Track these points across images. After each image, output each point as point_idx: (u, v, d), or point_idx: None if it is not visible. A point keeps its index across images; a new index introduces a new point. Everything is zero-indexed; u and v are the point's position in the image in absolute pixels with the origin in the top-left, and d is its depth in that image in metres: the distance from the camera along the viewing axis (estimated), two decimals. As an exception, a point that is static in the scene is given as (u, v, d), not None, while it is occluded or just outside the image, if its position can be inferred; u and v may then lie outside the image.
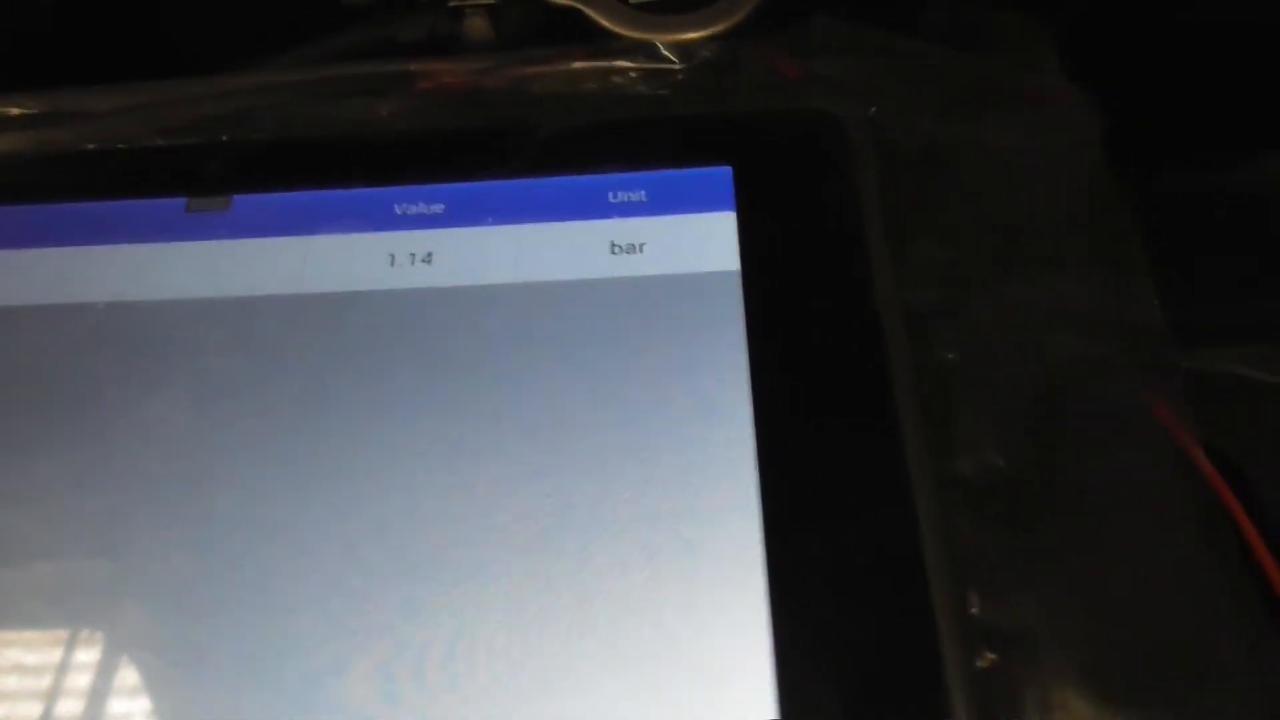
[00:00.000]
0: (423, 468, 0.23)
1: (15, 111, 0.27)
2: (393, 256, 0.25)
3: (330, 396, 0.24)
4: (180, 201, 0.26)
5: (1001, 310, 0.23)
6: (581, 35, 0.33)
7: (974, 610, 0.20)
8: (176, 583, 0.22)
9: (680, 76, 0.29)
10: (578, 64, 0.29)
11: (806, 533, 0.21)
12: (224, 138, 0.26)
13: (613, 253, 0.25)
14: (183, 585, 0.22)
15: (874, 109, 0.26)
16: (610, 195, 0.26)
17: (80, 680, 0.21)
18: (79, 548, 0.22)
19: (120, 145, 0.26)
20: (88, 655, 0.21)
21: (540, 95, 0.27)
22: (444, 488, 0.23)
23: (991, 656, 0.19)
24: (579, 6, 0.34)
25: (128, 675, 0.21)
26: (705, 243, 0.25)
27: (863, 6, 0.30)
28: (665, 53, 0.30)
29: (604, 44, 0.30)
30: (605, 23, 0.34)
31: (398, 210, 0.26)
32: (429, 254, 0.25)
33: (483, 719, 0.20)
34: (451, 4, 0.38)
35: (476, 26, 0.39)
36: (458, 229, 0.26)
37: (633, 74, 0.29)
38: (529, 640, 0.20)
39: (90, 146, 0.26)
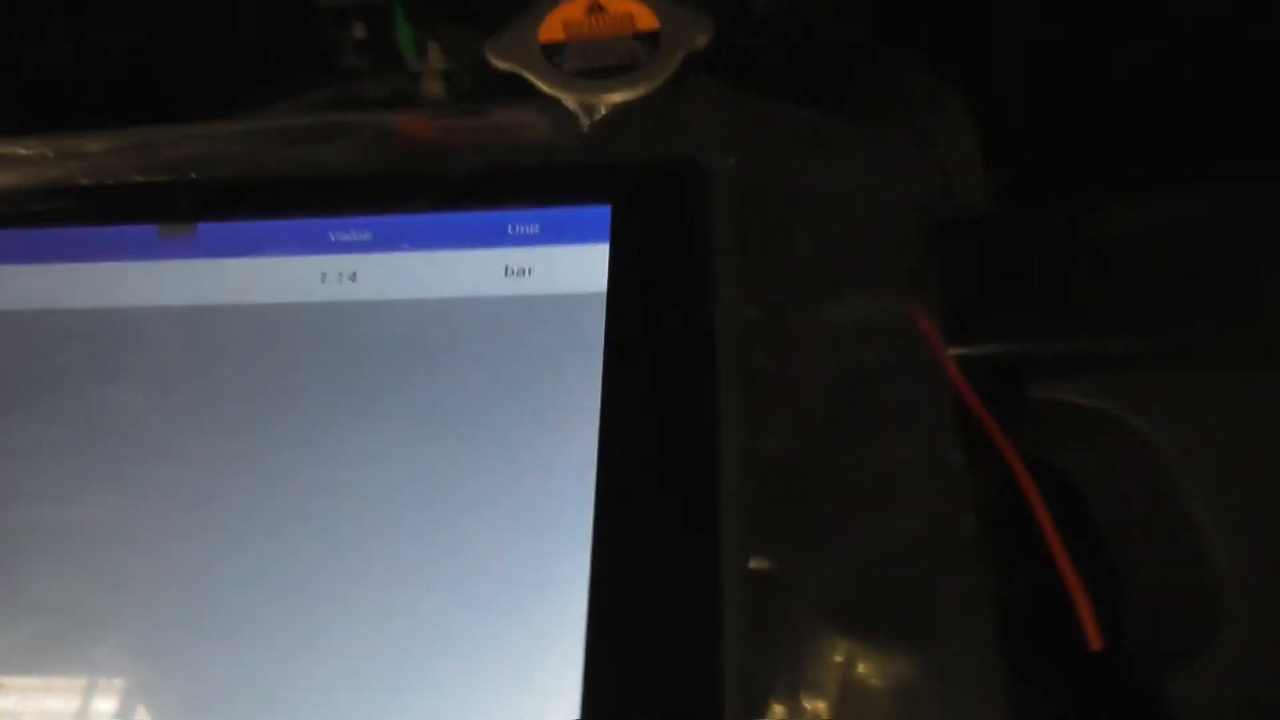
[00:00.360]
0: (325, 451, 0.28)
1: (24, 151, 0.33)
2: (324, 275, 0.31)
3: (265, 387, 0.29)
4: (154, 228, 0.32)
5: (811, 324, 0.28)
6: (525, 94, 0.39)
7: (753, 566, 0.24)
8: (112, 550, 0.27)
9: (583, 128, 0.34)
10: (499, 118, 0.34)
11: (633, 509, 0.26)
12: (193, 175, 0.32)
13: (506, 275, 0.30)
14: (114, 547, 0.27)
15: (734, 159, 0.31)
16: (509, 228, 0.31)
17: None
18: (39, 517, 0.28)
19: (107, 181, 0.32)
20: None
21: (462, 144, 0.33)
22: (353, 475, 0.28)
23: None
24: (520, 71, 0.40)
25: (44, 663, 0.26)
26: (583, 269, 0.30)
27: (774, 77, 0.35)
28: (571, 108, 0.35)
29: (526, 101, 0.35)
30: (542, 85, 0.39)
31: (332, 237, 0.31)
32: (354, 273, 0.31)
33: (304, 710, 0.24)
34: (412, 69, 0.44)
35: (433, 87, 0.44)
36: (381, 254, 0.31)
37: (542, 127, 0.34)
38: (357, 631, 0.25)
39: (83, 181, 0.32)
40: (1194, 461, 0.28)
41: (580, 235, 0.30)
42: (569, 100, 0.36)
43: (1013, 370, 0.34)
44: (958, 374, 0.25)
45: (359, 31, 0.54)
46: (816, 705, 0.22)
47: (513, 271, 0.29)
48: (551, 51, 0.42)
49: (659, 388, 0.26)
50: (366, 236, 0.30)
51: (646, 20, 0.42)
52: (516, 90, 0.40)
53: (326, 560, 0.25)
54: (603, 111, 0.34)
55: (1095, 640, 0.24)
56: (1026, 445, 0.27)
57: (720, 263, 0.28)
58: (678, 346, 0.27)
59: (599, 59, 0.41)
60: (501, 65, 0.41)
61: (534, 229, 0.30)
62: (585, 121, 0.34)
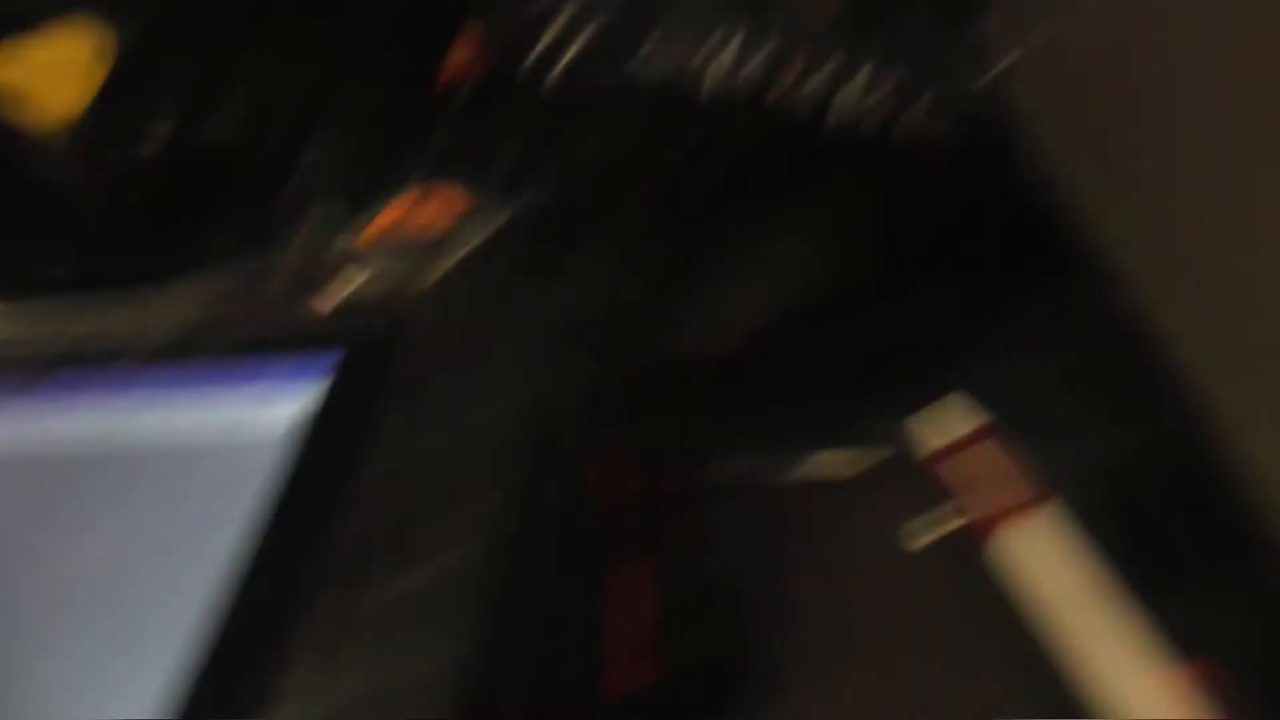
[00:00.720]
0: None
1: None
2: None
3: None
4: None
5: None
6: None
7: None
8: None
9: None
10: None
11: None
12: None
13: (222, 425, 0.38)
14: None
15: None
16: (240, 384, 0.39)
17: None
18: None
19: None
20: None
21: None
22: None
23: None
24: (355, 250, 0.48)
25: None
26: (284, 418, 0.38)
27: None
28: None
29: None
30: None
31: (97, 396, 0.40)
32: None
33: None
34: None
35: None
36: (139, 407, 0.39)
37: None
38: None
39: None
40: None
41: (294, 389, 0.38)
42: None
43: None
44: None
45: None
46: None
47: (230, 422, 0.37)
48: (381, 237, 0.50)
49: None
50: (131, 394, 0.39)
51: (462, 205, 0.51)
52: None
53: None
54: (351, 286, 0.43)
55: None
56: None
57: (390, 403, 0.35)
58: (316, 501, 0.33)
59: (418, 241, 0.49)
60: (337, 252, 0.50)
61: (260, 385, 0.38)
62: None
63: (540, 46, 0.59)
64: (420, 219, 0.52)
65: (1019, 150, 0.40)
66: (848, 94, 0.46)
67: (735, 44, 0.50)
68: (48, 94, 0.61)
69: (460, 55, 0.70)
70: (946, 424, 0.34)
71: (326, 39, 0.77)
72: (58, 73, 0.62)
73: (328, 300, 0.43)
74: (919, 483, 0.34)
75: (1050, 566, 0.31)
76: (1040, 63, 0.39)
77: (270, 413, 0.36)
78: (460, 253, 0.48)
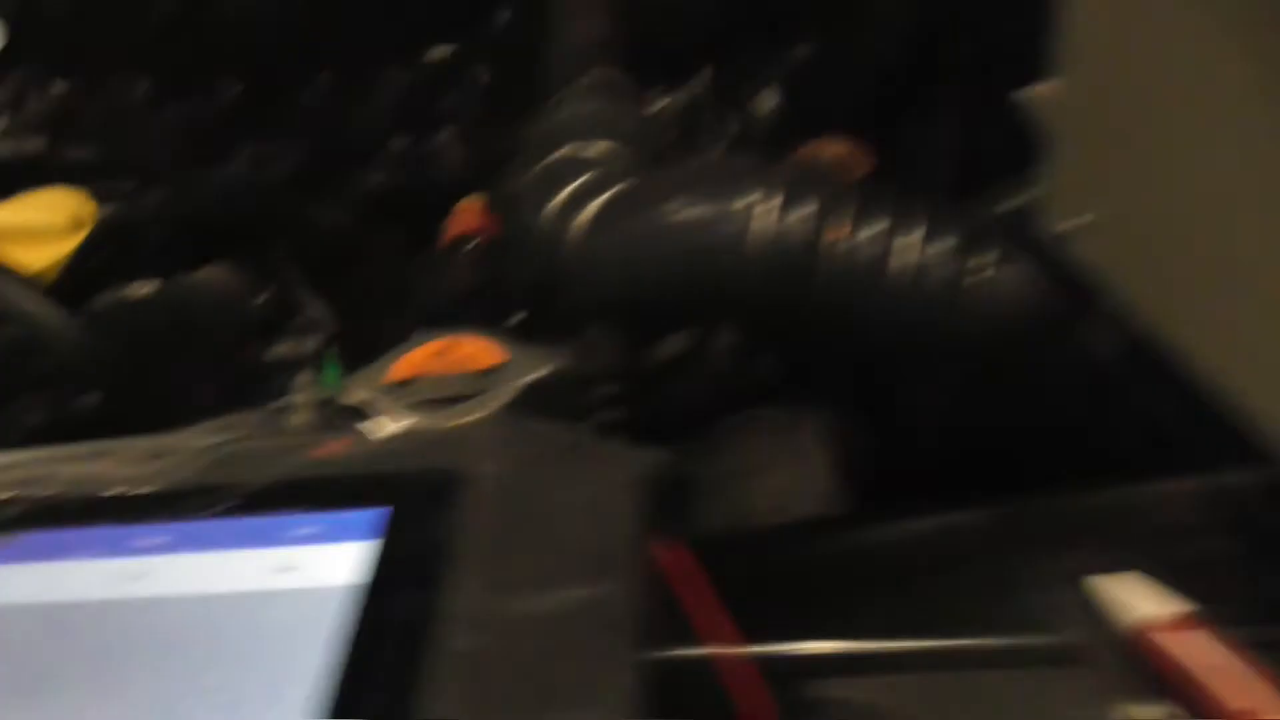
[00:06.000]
0: None
1: None
2: (118, 574, 0.34)
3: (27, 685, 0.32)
4: (-17, 538, 0.36)
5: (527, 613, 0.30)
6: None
7: None
8: None
9: (375, 444, 0.39)
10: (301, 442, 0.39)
11: None
12: (22, 494, 0.36)
13: (277, 571, 0.34)
14: None
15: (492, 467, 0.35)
16: (293, 530, 0.35)
17: None
18: None
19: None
20: None
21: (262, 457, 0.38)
22: None
23: None
24: (359, 406, 0.45)
25: None
26: (346, 565, 0.34)
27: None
28: (378, 427, 0.40)
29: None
30: (387, 418, 0.44)
31: (133, 543, 0.35)
32: (144, 573, 0.34)
33: None
34: (278, 403, 0.50)
35: (300, 419, 0.50)
36: (172, 556, 0.35)
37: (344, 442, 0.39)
38: None
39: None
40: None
41: (351, 534, 0.34)
42: (378, 425, 0.41)
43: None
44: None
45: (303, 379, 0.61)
46: None
47: (284, 569, 0.33)
48: (399, 388, 0.48)
49: (384, 675, 0.29)
50: (163, 541, 0.34)
51: (492, 357, 0.49)
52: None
53: None
54: (391, 430, 0.39)
55: None
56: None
57: (462, 564, 0.31)
58: (404, 650, 0.29)
59: (440, 392, 0.47)
60: (351, 400, 0.47)
61: (313, 530, 0.34)
62: (376, 437, 0.39)
63: (561, 198, 0.58)
64: (445, 366, 0.49)
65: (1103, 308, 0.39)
66: (907, 244, 0.45)
67: (777, 200, 0.50)
68: (24, 251, 0.61)
69: (466, 215, 0.69)
70: (1139, 603, 0.31)
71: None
72: (35, 233, 0.63)
73: (353, 446, 0.39)
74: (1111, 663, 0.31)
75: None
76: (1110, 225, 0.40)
77: (319, 563, 0.32)
78: (499, 400, 0.45)
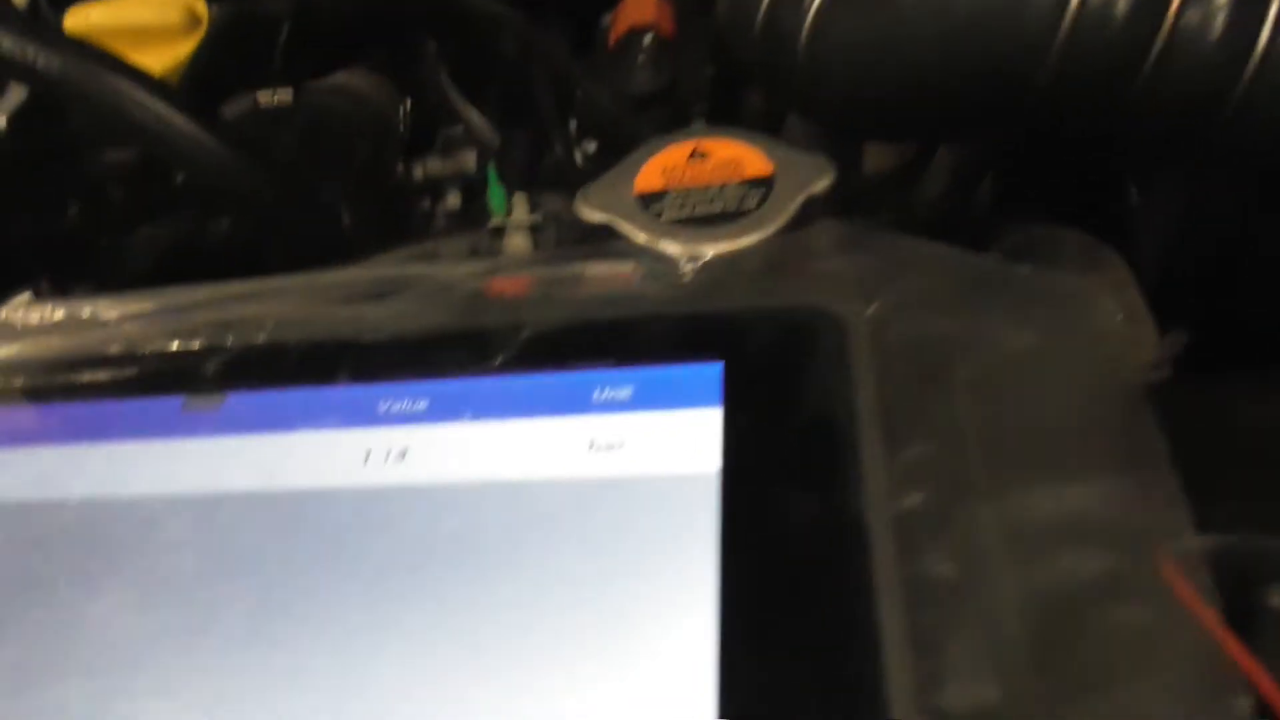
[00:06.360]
0: (383, 669, 0.21)
1: (36, 318, 0.28)
2: (369, 453, 0.25)
3: (282, 596, 0.23)
4: (178, 401, 0.27)
5: (1005, 521, 0.20)
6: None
7: None
8: None
9: (686, 275, 0.28)
10: (582, 267, 0.28)
11: None
12: (228, 340, 0.26)
13: (591, 450, 0.24)
14: None
15: (875, 306, 0.24)
16: (595, 392, 0.25)
17: None
18: None
19: (130, 350, 0.27)
20: None
21: (538, 296, 0.27)
22: (404, 692, 0.21)
23: None
24: (611, 223, 0.35)
25: None
26: (688, 441, 0.24)
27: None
28: (673, 255, 0.29)
29: (610, 246, 0.30)
30: (636, 238, 0.34)
31: (381, 408, 0.25)
32: (405, 451, 0.25)
33: None
34: (492, 224, 0.40)
35: (515, 244, 0.40)
36: (437, 425, 0.25)
37: (640, 273, 0.28)
38: None
39: (103, 350, 0.27)
40: None
41: (683, 399, 0.23)
42: (670, 248, 0.30)
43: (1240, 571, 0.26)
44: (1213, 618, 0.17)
45: (452, 202, 0.53)
46: None
47: (599, 446, 0.23)
48: (649, 201, 0.37)
49: (800, 605, 0.19)
50: (422, 405, 0.24)
51: (757, 165, 0.38)
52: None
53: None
54: (709, 256, 0.28)
55: None
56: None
57: (865, 436, 0.21)
58: (821, 548, 0.19)
59: (703, 207, 0.36)
60: (593, 217, 0.36)
61: (625, 392, 0.24)
62: (688, 268, 0.28)
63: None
64: (703, 176, 0.38)
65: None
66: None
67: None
68: (136, 53, 0.53)
69: (636, 7, 0.58)
70: None
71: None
72: (147, 33, 0.55)
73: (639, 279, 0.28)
74: None
75: None
76: None
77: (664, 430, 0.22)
78: (781, 216, 0.34)
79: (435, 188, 0.59)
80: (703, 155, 0.40)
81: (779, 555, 0.21)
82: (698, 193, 0.37)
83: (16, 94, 0.54)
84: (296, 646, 0.21)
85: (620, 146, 0.41)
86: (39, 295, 0.35)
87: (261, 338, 0.26)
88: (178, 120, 0.52)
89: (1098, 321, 0.22)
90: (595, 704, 0.19)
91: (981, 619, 0.18)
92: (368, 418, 0.25)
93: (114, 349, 0.27)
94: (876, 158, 0.40)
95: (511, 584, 0.21)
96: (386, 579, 0.22)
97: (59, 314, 0.27)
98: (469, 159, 0.61)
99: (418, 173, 0.60)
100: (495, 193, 0.48)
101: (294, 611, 0.22)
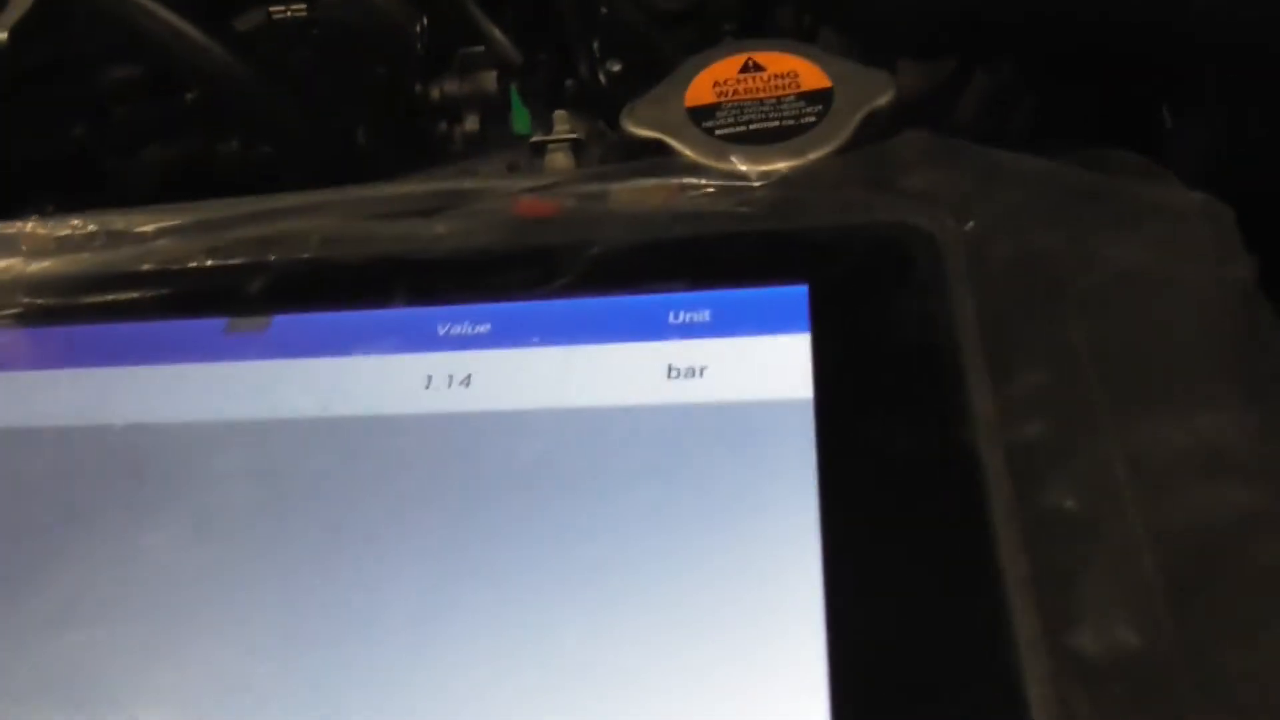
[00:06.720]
0: (463, 600, 0.20)
1: (67, 231, 0.26)
2: (430, 378, 0.23)
3: (348, 527, 0.21)
4: (221, 322, 0.25)
5: (1132, 450, 0.19)
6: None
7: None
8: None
9: (757, 193, 0.26)
10: (646, 181, 0.27)
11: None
12: (271, 257, 0.25)
13: (670, 377, 0.22)
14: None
15: (971, 223, 0.23)
16: (670, 315, 0.23)
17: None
18: (58, 685, 0.20)
19: (167, 266, 0.25)
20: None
21: (603, 213, 0.25)
22: (476, 623, 0.19)
23: None
24: (662, 138, 0.33)
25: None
26: (774, 367, 0.22)
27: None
28: (742, 168, 0.27)
29: (669, 162, 0.28)
30: (690, 154, 0.32)
31: (440, 330, 0.24)
32: (468, 376, 0.23)
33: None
34: (534, 139, 0.38)
35: (559, 161, 0.38)
36: (501, 350, 0.23)
37: (708, 190, 0.26)
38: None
39: (138, 267, 0.25)
40: None
41: (766, 324, 0.22)
42: (739, 162, 0.29)
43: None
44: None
45: (470, 124, 0.50)
46: None
47: (678, 373, 0.21)
48: (701, 116, 0.35)
49: (910, 540, 0.17)
50: (484, 329, 0.23)
51: (815, 79, 0.35)
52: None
53: None
54: (784, 169, 0.27)
55: None
56: None
57: (967, 361, 0.19)
58: (931, 479, 0.18)
59: (759, 122, 0.34)
60: (642, 133, 0.34)
61: (703, 316, 0.22)
62: (756, 181, 0.26)
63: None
64: (758, 90, 0.36)
65: None
66: None
67: None
68: None
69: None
70: None
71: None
72: None
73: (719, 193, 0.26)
74: None
75: None
76: None
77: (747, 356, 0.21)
78: (841, 132, 0.32)
79: (453, 109, 0.57)
80: (757, 68, 0.38)
81: (885, 487, 0.19)
82: (753, 107, 0.35)
83: (19, 5, 0.51)
84: (371, 580, 0.20)
85: (646, 66, 0.39)
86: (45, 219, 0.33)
87: (307, 255, 0.24)
88: (191, 32, 0.49)
89: (1215, 238, 0.20)
90: (689, 641, 0.18)
91: (1113, 557, 0.17)
92: (427, 341, 0.23)
93: (147, 266, 0.25)
94: (907, 82, 0.38)
95: (594, 513, 0.20)
96: (461, 508, 0.20)
97: (91, 226, 0.25)
98: (488, 79, 0.59)
99: (434, 93, 0.57)
100: (519, 114, 0.46)
101: (364, 543, 0.20)
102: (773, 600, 0.18)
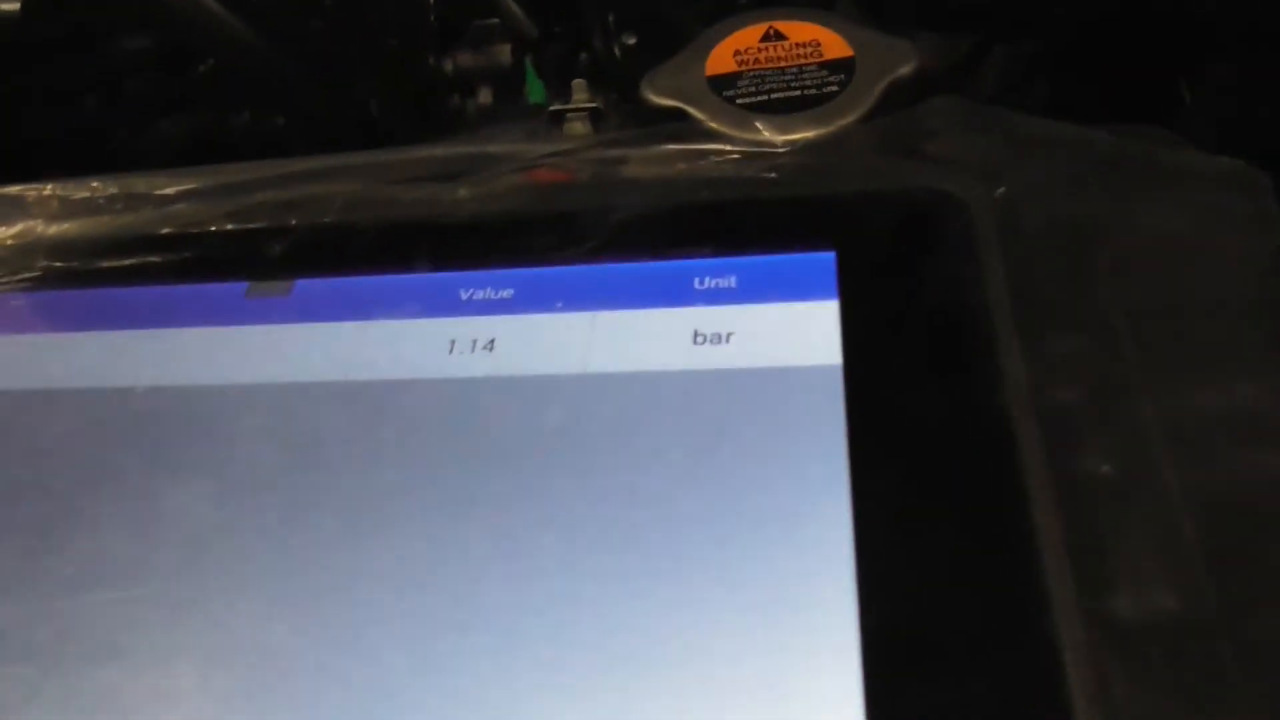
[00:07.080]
0: (489, 565, 0.19)
1: (85, 194, 0.26)
2: (452, 343, 0.23)
3: (369, 491, 0.21)
4: (242, 286, 0.25)
5: (1168, 415, 0.18)
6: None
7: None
8: (196, 681, 0.19)
9: (782, 158, 0.26)
10: (670, 146, 0.26)
11: (918, 692, 0.17)
12: (292, 221, 0.24)
13: (696, 343, 0.22)
14: (206, 684, 0.19)
15: (1002, 188, 0.22)
16: (696, 281, 0.23)
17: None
18: (80, 644, 0.20)
19: (188, 229, 0.25)
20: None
21: (625, 179, 0.25)
22: (498, 588, 0.19)
23: None
24: (683, 107, 0.33)
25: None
26: (802, 334, 0.22)
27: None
28: (766, 134, 0.27)
29: (698, 127, 0.27)
30: (711, 123, 0.32)
31: (463, 295, 0.23)
32: (491, 341, 0.23)
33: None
34: (553, 108, 0.38)
35: (577, 130, 0.38)
36: (525, 315, 0.23)
37: (732, 156, 0.26)
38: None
39: (158, 231, 0.25)
40: None
41: (794, 291, 0.21)
42: (764, 130, 0.28)
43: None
44: None
45: (484, 97, 0.50)
46: None
47: (704, 339, 0.21)
48: (721, 85, 0.34)
49: (943, 504, 0.17)
50: (507, 294, 0.22)
51: (837, 48, 0.35)
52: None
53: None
54: (810, 137, 0.26)
55: None
56: None
57: (998, 325, 0.19)
58: (963, 444, 0.18)
59: (780, 91, 0.34)
60: (662, 101, 0.34)
61: (729, 281, 0.22)
62: (780, 148, 0.26)
63: None
64: (779, 59, 0.35)
65: None
66: None
67: None
68: None
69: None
70: None
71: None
72: None
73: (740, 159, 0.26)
74: None
75: None
76: None
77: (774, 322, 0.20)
78: (864, 101, 0.31)
79: (467, 81, 0.56)
80: (778, 37, 0.37)
81: (916, 453, 0.19)
82: (774, 76, 0.35)
83: (32, -24, 0.50)
84: (396, 542, 0.19)
85: (661, 40, 0.39)
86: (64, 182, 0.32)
87: (328, 219, 0.24)
88: (205, 1, 0.48)
89: (1250, 204, 0.20)
90: (718, 609, 0.18)
91: (1150, 523, 0.17)
92: (449, 306, 0.23)
93: (168, 229, 0.25)
94: (926, 56, 0.38)
95: (618, 479, 0.20)
96: (487, 472, 0.20)
97: (112, 189, 0.25)
98: (502, 52, 0.58)
99: (448, 66, 0.57)
100: (534, 86, 0.46)
101: (389, 506, 0.20)
102: (803, 567, 0.18)
